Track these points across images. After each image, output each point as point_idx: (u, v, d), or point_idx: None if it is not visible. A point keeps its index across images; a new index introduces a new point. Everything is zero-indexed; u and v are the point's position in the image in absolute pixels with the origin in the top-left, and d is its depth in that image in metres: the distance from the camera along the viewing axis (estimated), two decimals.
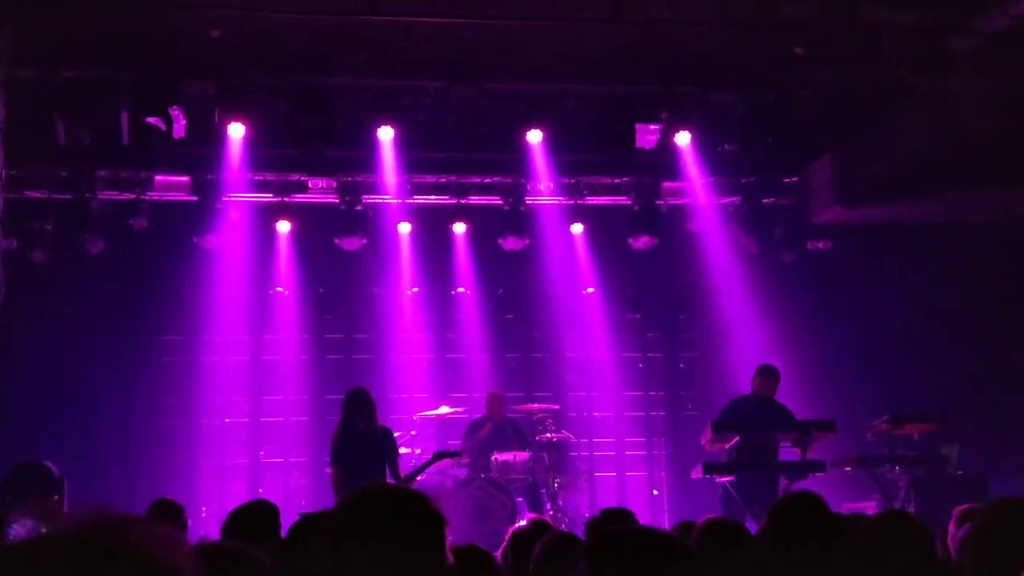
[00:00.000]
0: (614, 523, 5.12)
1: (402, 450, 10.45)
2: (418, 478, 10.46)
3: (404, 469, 9.36)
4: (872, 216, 11.79)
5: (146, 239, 11.58)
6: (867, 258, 12.16)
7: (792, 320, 12.32)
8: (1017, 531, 3.16)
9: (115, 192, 11.49)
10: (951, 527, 5.47)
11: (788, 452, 9.59)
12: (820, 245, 12.29)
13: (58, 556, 1.25)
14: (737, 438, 9.25)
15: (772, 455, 9.43)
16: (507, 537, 4.83)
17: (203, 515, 11.45)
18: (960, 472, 10.21)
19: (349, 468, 8.66)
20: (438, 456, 9.60)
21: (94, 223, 11.33)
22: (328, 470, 9.04)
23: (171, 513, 6.18)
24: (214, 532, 7.59)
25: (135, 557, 1.26)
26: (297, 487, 12.11)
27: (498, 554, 4.77)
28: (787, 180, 12.37)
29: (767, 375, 9.92)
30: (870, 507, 9.89)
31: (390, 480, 8.78)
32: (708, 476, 9.40)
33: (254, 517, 4.93)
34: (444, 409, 11.62)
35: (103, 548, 1.27)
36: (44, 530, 1.31)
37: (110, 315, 11.54)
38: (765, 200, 12.37)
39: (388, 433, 9.06)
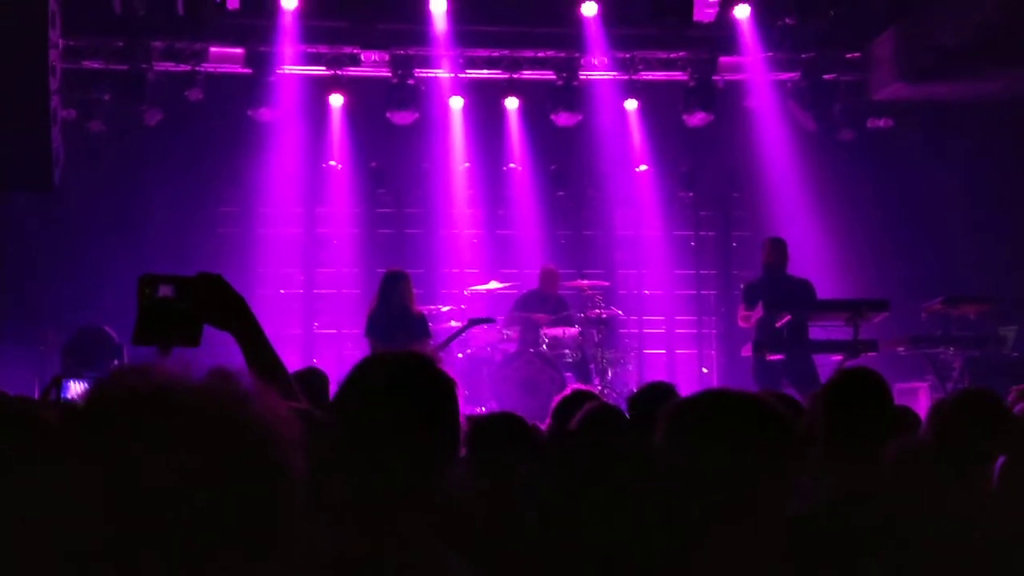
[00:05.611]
0: (654, 397, 5.12)
1: (452, 323, 10.58)
2: (467, 352, 10.64)
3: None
4: (936, 93, 11.45)
5: (202, 111, 11.64)
6: (928, 136, 11.86)
7: (849, 199, 12.12)
8: None
9: (171, 63, 11.50)
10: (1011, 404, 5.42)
11: (821, 331, 9.57)
12: (880, 123, 11.97)
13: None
14: (788, 316, 9.22)
15: (805, 333, 9.41)
16: (552, 407, 4.83)
17: None
18: (1016, 354, 10.08)
19: (383, 343, 8.88)
20: (472, 322, 9.70)
21: (151, 94, 11.37)
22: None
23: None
24: None
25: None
26: (351, 357, 12.30)
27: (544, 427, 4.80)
28: (849, 55, 12.04)
29: (778, 246, 9.80)
30: (923, 388, 9.88)
31: None
32: (759, 354, 9.44)
33: (305, 383, 5.07)
34: (494, 284, 11.67)
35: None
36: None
37: (167, 186, 11.66)
38: (825, 76, 12.04)
39: (422, 318, 9.26)
